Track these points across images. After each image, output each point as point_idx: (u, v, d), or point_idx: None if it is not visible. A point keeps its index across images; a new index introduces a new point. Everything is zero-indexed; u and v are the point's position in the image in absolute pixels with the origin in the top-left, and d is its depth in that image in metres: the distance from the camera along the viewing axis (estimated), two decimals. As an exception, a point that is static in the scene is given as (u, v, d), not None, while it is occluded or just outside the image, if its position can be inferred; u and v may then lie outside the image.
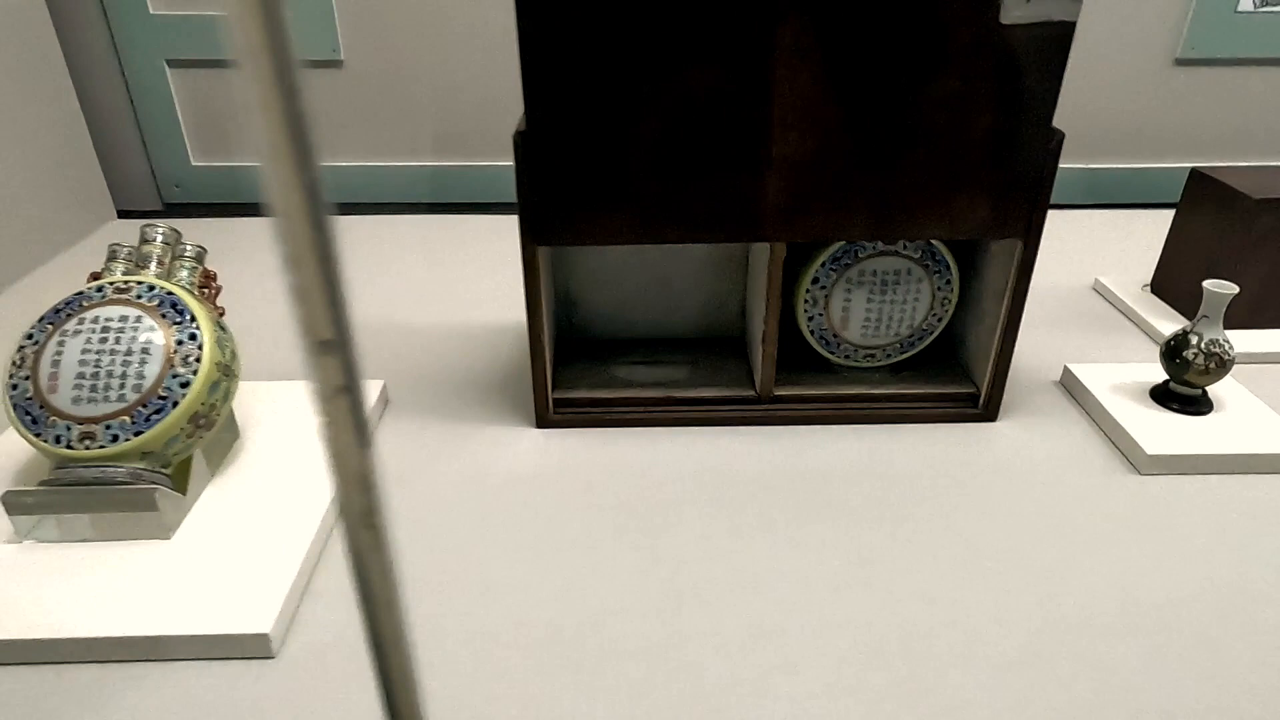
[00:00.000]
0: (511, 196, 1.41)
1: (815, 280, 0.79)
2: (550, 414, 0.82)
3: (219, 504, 0.68)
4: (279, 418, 0.79)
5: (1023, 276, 0.75)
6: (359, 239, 1.28)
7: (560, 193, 0.71)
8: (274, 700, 0.55)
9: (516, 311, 1.05)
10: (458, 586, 0.64)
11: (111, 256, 0.72)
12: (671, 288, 0.90)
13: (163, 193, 1.43)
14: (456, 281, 1.14)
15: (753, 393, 0.83)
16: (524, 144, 0.69)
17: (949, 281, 0.80)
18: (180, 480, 0.67)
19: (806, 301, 0.80)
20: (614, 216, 0.72)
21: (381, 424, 0.82)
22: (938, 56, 0.66)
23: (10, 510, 0.62)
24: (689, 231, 0.72)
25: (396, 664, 0.24)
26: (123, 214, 1.37)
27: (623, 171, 0.70)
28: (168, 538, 0.64)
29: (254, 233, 1.30)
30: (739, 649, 0.59)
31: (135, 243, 0.74)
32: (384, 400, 0.84)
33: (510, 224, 1.32)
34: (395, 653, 0.24)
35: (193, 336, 0.66)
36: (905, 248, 0.78)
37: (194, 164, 1.40)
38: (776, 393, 0.82)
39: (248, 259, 1.20)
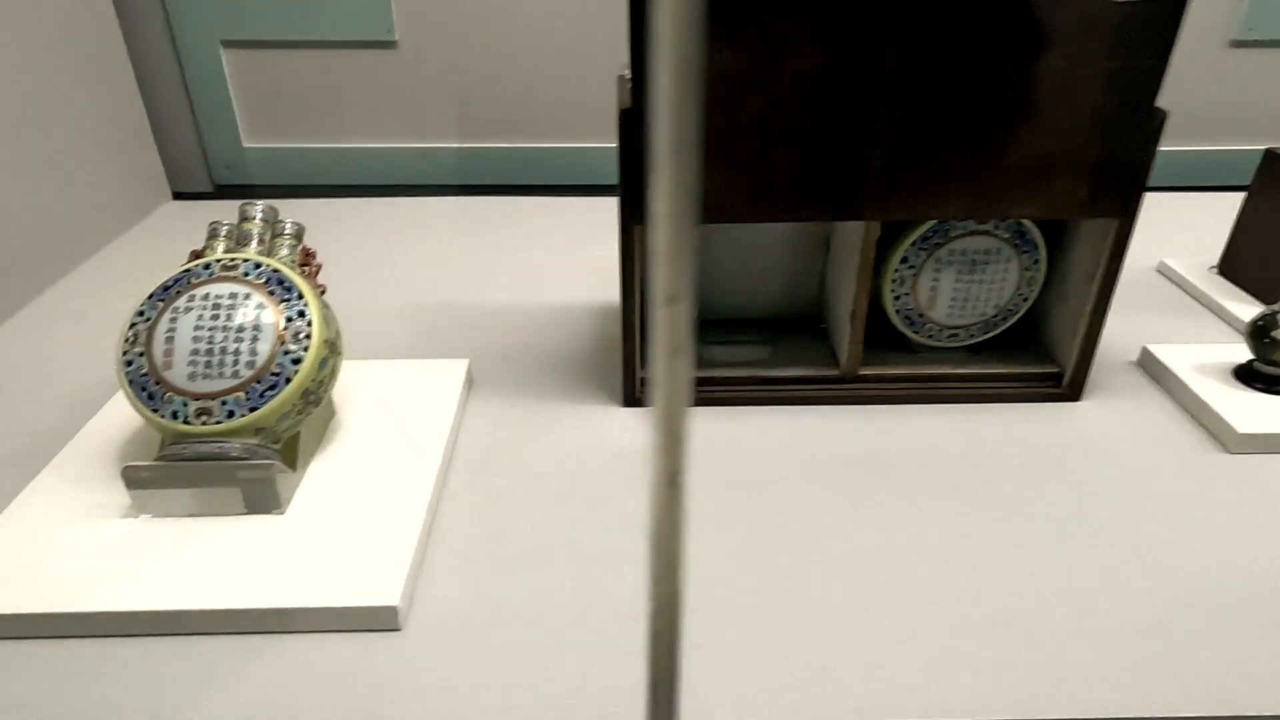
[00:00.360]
0: (571, 179, 1.41)
1: (904, 260, 0.79)
2: (639, 393, 0.82)
3: (324, 480, 0.69)
4: (368, 395, 0.79)
5: (1115, 256, 0.75)
6: (426, 219, 1.28)
7: (661, 171, 0.71)
8: (403, 671, 0.55)
9: (590, 290, 1.05)
10: (561, 564, 0.64)
11: (212, 234, 0.73)
12: (751, 267, 0.90)
13: (213, 174, 1.43)
14: (524, 262, 1.14)
15: (836, 372, 0.84)
16: (629, 121, 0.69)
17: (1037, 261, 0.81)
18: (289, 456, 0.68)
19: (894, 281, 0.81)
20: (715, 195, 0.72)
21: (468, 404, 0.82)
22: (1047, 34, 0.66)
23: (130, 484, 0.63)
24: (790, 210, 0.73)
25: (668, 622, 0.25)
26: (175, 195, 1.37)
27: (726, 150, 0.70)
28: (281, 512, 0.65)
29: (308, 214, 1.30)
30: (848, 622, 0.59)
31: (215, 221, 0.74)
32: (469, 380, 0.85)
33: (570, 205, 1.32)
34: (669, 610, 0.25)
35: (301, 314, 0.67)
36: (996, 227, 0.78)
37: (245, 145, 1.40)
38: (860, 372, 0.83)
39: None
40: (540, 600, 0.61)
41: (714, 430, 0.79)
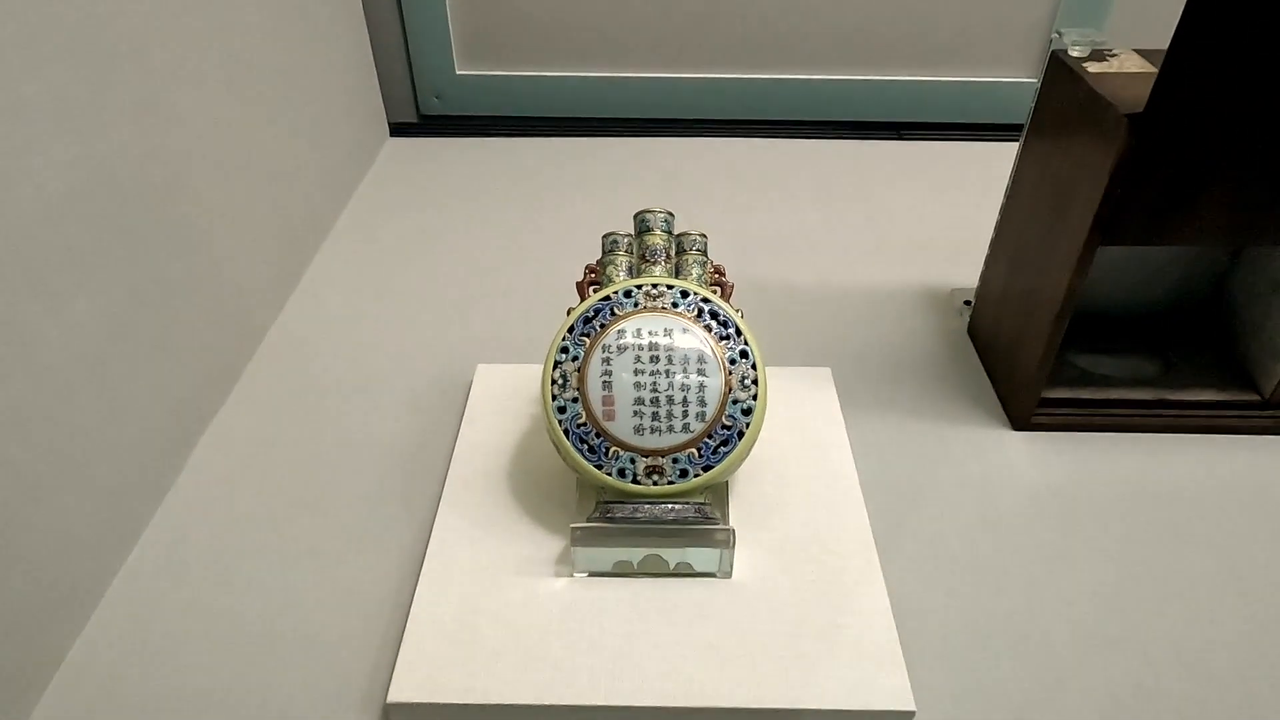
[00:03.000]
0: (840, 114, 1.24)
1: (1376, 278, 0.68)
2: (1033, 416, 0.73)
3: (748, 530, 0.62)
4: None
5: None
6: (682, 164, 1.16)
7: (1156, 188, 0.59)
8: (922, 780, 0.51)
9: (908, 270, 0.95)
10: (1044, 645, 0.58)
11: (610, 249, 0.64)
12: (1142, 265, 0.79)
13: (420, 104, 1.31)
14: (814, 224, 1.03)
15: (1256, 396, 0.74)
16: (1138, 129, 0.57)
17: None
18: (721, 511, 0.61)
19: (1352, 300, 0.69)
20: (1201, 216, 0.61)
21: (846, 421, 0.73)
22: None
23: (576, 543, 0.57)
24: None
25: None
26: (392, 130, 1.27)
27: (1230, 165, 0.58)
28: (729, 577, 0.59)
29: (540, 155, 1.19)
30: None
31: (611, 232, 0.65)
32: (835, 390, 0.76)
33: (844, 149, 1.19)
34: None
35: (744, 354, 0.58)
36: None
37: (459, 72, 1.28)
38: (1287, 399, 0.73)
39: (533, 189, 1.11)
40: (1039, 694, 0.55)
41: (1125, 462, 0.71)
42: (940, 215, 1.05)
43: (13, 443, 0.52)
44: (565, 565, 0.59)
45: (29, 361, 0.53)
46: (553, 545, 0.61)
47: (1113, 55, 0.66)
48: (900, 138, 1.25)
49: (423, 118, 1.32)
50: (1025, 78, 1.23)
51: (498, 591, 0.58)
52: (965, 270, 0.93)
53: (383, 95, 1.25)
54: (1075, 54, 0.65)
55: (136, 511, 0.64)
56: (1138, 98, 0.58)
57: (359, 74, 1.15)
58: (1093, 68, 0.64)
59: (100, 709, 0.53)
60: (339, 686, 0.54)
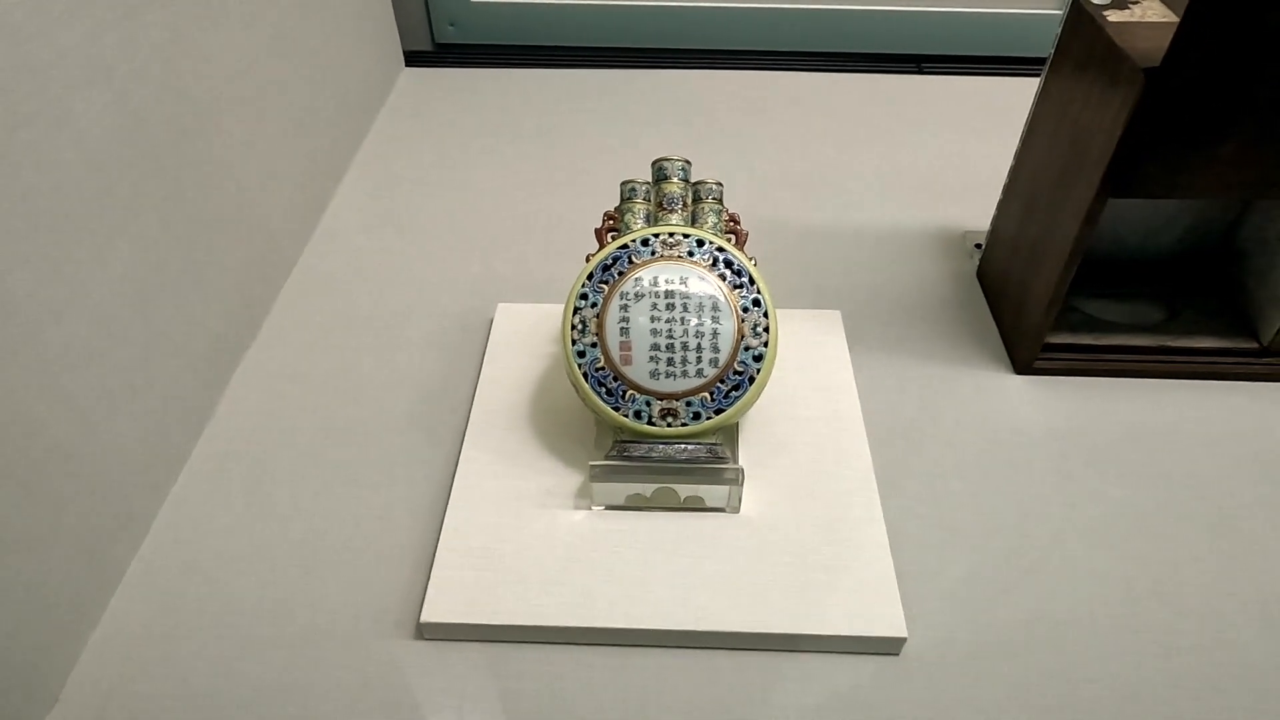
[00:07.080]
0: (874, 47, 1.22)
1: (1383, 231, 0.69)
2: (1036, 360, 0.76)
3: (756, 467, 0.66)
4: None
5: None
6: (698, 99, 1.16)
7: (1169, 143, 0.60)
8: (906, 700, 0.55)
9: (918, 210, 0.95)
10: (1034, 579, 0.62)
11: (628, 196, 0.65)
12: (1156, 213, 0.80)
13: (435, 32, 1.30)
14: (832, 163, 1.03)
15: (1254, 344, 0.76)
16: (1153, 84, 0.57)
17: None
18: (731, 450, 0.64)
19: (1358, 252, 0.70)
20: (1214, 171, 0.61)
21: (853, 363, 0.76)
22: None
23: (595, 479, 0.60)
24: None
25: None
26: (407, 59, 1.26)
27: (1246, 120, 0.59)
28: (738, 512, 0.63)
29: (557, 87, 1.19)
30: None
31: (629, 180, 0.67)
32: (844, 334, 0.78)
33: (866, 85, 1.17)
34: None
35: (756, 302, 0.61)
36: None
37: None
38: (1286, 347, 0.75)
39: (550, 124, 1.11)
40: (1023, 623, 0.59)
41: (1126, 408, 0.73)
42: (957, 153, 1.05)
43: (69, 378, 0.55)
44: (584, 498, 0.63)
45: (80, 303, 0.56)
46: (572, 479, 0.64)
47: (1135, 3, 0.65)
48: (921, 71, 1.23)
49: (438, 46, 1.31)
50: (1048, 9, 1.21)
51: (521, 522, 0.62)
52: (979, 211, 0.94)
53: (397, 23, 1.24)
54: (1097, 1, 0.65)
55: (180, 442, 0.68)
56: (1156, 50, 0.58)
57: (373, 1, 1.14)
58: (1114, 16, 0.64)
59: (158, 622, 0.58)
60: (376, 607, 0.59)
